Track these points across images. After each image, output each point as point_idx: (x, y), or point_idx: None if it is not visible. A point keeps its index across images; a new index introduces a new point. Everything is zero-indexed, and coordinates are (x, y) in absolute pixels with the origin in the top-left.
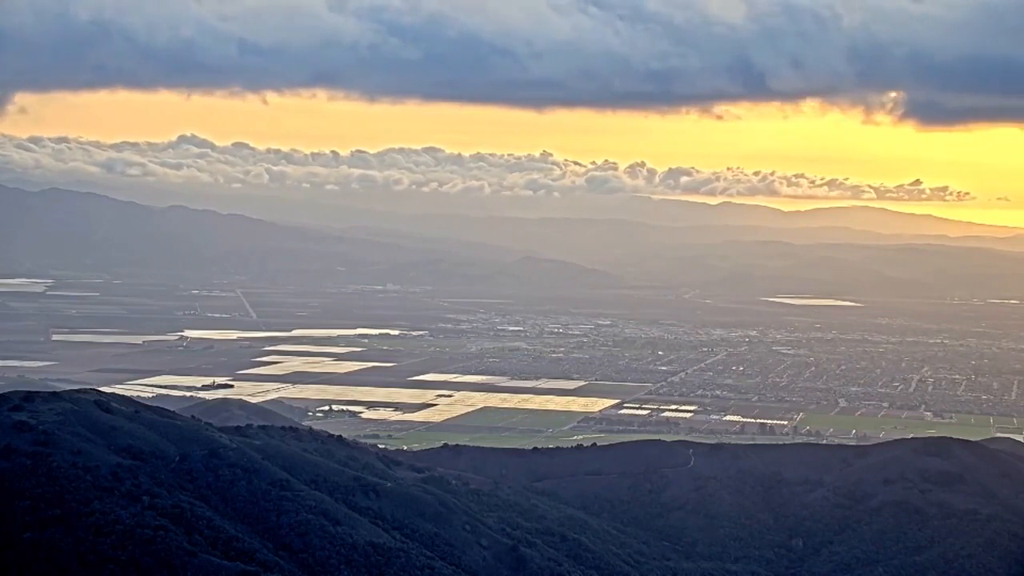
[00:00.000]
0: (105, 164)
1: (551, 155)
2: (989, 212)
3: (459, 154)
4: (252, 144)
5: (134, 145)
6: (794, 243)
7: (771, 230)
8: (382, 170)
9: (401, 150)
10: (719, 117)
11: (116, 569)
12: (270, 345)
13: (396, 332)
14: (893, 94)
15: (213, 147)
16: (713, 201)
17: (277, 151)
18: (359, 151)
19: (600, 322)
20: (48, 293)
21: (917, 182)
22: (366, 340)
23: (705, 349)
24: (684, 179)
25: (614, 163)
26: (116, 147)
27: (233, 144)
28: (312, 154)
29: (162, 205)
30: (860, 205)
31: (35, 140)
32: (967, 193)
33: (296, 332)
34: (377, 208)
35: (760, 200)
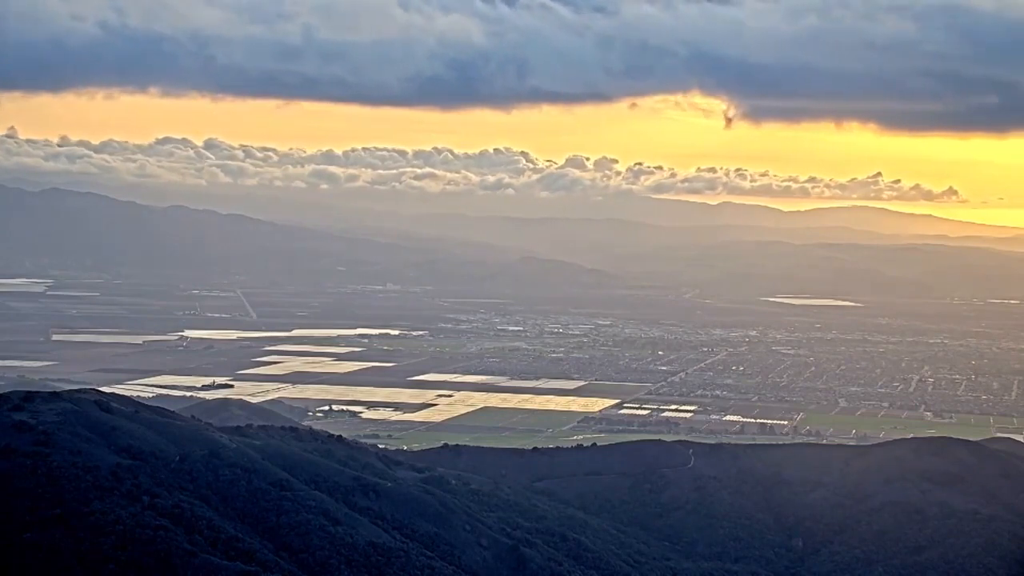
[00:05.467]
0: None
1: (512, 150)
2: (989, 212)
3: (422, 149)
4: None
5: None
6: (794, 243)
7: (771, 230)
8: (371, 169)
9: (367, 149)
10: None
11: (116, 569)
12: (270, 345)
13: (396, 332)
14: None
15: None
16: (713, 201)
17: (248, 148)
18: (327, 151)
19: (600, 322)
20: (48, 293)
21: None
22: (366, 340)
23: (705, 349)
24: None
25: (585, 157)
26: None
27: (205, 142)
28: (284, 154)
29: (162, 205)
30: (860, 205)
31: None
32: (918, 185)
33: (296, 332)
34: (376, 208)
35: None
